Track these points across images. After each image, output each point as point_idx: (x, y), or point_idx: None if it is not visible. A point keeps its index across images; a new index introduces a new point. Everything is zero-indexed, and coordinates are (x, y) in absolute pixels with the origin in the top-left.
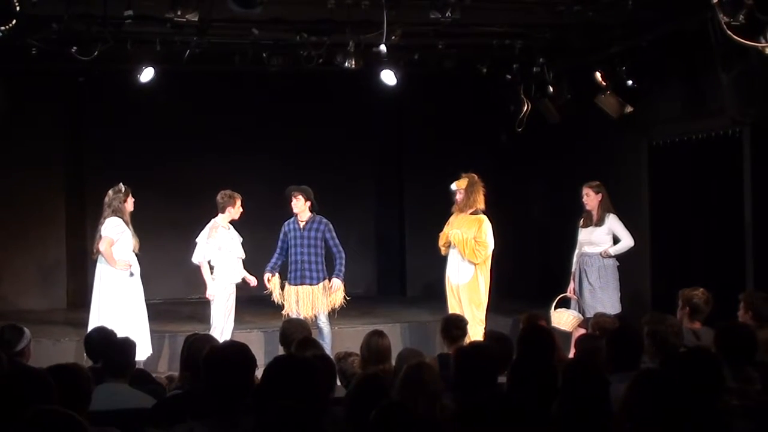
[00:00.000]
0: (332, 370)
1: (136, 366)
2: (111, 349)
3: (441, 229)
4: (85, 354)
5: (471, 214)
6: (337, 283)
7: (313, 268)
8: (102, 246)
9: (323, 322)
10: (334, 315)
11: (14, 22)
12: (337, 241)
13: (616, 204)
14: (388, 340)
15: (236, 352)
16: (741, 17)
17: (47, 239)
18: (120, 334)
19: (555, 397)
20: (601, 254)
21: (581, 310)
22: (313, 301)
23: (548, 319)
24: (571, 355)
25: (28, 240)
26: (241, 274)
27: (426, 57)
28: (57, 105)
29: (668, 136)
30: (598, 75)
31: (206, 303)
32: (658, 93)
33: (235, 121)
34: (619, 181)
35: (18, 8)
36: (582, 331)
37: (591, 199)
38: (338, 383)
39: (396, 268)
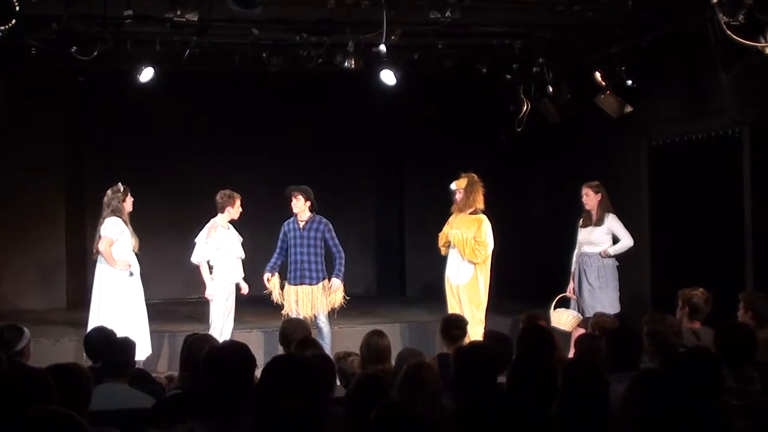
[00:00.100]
0: (332, 369)
1: (136, 366)
2: (110, 349)
3: (441, 229)
4: (84, 354)
5: (470, 213)
6: (337, 283)
7: (313, 268)
8: (101, 246)
9: (323, 322)
10: (333, 315)
11: (14, 21)
12: (336, 241)
13: (616, 204)
14: (387, 340)
15: (236, 352)
16: (741, 17)
17: (47, 239)
18: (120, 334)
19: (555, 397)
20: (600, 254)
21: (581, 310)
22: (313, 300)
23: (548, 319)
24: (570, 354)
25: (27, 240)
26: (240, 274)
27: (426, 57)
28: (57, 105)
29: (668, 136)
30: (597, 75)
31: (206, 303)
32: (658, 93)
33: (235, 121)
34: (618, 181)
35: (17, 8)
36: (581, 330)
37: (590, 198)
38: (338, 383)
39: (396, 268)
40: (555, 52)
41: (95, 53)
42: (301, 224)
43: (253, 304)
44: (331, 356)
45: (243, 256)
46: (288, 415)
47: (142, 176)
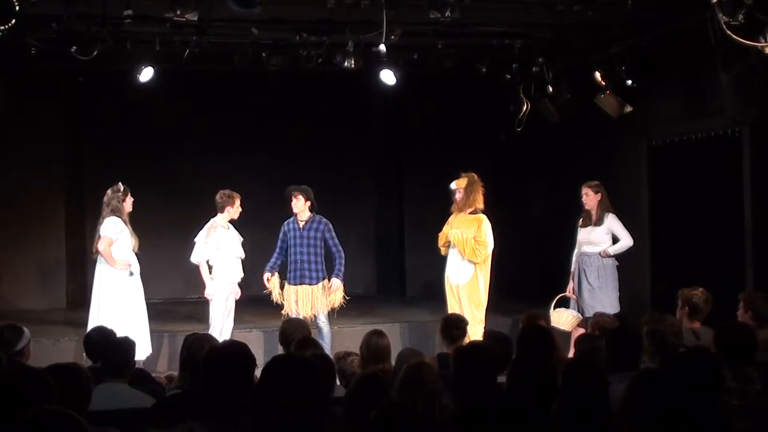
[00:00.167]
0: (332, 369)
1: (136, 366)
2: (110, 348)
3: (440, 229)
4: (84, 354)
5: (470, 213)
6: (337, 283)
7: (313, 268)
8: (101, 246)
9: (323, 322)
10: (333, 315)
11: (13, 21)
12: (336, 240)
13: (616, 204)
14: (387, 340)
15: (235, 352)
16: (740, 17)
17: (47, 239)
18: (119, 334)
19: (555, 397)
20: (600, 254)
21: (580, 310)
22: (313, 300)
23: (547, 319)
24: (570, 354)
25: (27, 240)
26: (239, 274)
27: (425, 57)
28: (57, 105)
29: (668, 136)
30: (597, 75)
31: (205, 302)
32: (658, 93)
33: (235, 121)
34: (618, 180)
35: (17, 8)
36: (581, 330)
37: (590, 198)
38: (338, 383)
39: (395, 268)
40: (555, 52)
41: (95, 53)
42: (301, 224)
43: (253, 303)
44: (331, 356)
45: (243, 256)
46: (288, 415)
47: (142, 176)
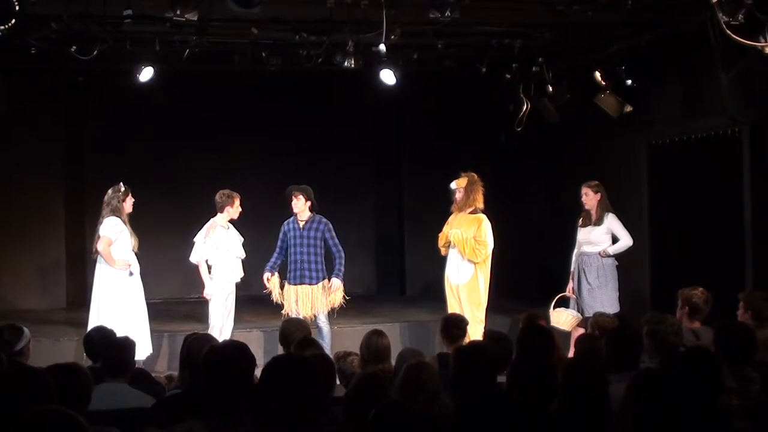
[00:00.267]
0: (331, 369)
1: (137, 365)
2: (110, 348)
3: (440, 229)
4: (84, 354)
5: (470, 213)
6: (337, 283)
7: (313, 268)
8: (100, 246)
9: (323, 322)
10: (333, 314)
11: (13, 21)
12: (336, 240)
13: (616, 203)
14: (387, 340)
15: (235, 352)
16: (740, 17)
17: (47, 239)
18: (119, 334)
19: (554, 397)
20: (599, 254)
21: (580, 310)
22: (313, 300)
23: (547, 319)
24: (570, 354)
25: (27, 239)
26: (239, 274)
27: (425, 57)
28: (56, 104)
29: (668, 136)
30: (597, 74)
31: (205, 302)
32: (658, 93)
33: (234, 121)
34: (618, 180)
35: (17, 8)
36: (581, 330)
37: (590, 198)
38: (337, 383)
39: (395, 268)
40: (555, 51)
41: (95, 53)
42: (301, 224)
43: (253, 303)
44: (331, 356)
45: (243, 255)
46: (287, 415)
47: (142, 176)
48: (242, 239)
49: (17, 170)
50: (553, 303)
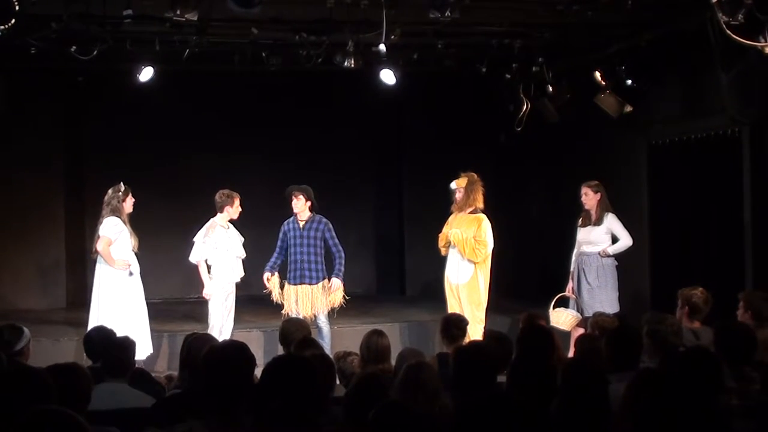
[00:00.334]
0: (331, 369)
1: (137, 365)
2: (110, 348)
3: (440, 229)
4: (84, 353)
5: (470, 213)
6: (337, 283)
7: (313, 268)
8: (99, 246)
9: (323, 322)
10: (333, 314)
11: (13, 21)
12: (336, 240)
13: (616, 203)
14: (387, 340)
15: (235, 352)
16: (740, 17)
17: (47, 239)
18: (119, 334)
19: (554, 397)
20: (599, 254)
21: (580, 310)
22: (313, 300)
23: (547, 319)
24: (570, 354)
25: (27, 239)
26: (239, 274)
27: (425, 56)
28: (56, 104)
29: (668, 136)
30: (597, 74)
31: (205, 302)
32: (658, 92)
33: (234, 121)
34: (618, 180)
35: (17, 7)
36: (580, 330)
37: (590, 198)
38: (337, 383)
39: (395, 268)
40: (554, 51)
41: (95, 53)
42: (301, 224)
43: (253, 303)
44: (331, 356)
45: (243, 255)
46: (288, 415)
47: (142, 176)
48: (242, 239)
49: (17, 170)
50: (552, 303)
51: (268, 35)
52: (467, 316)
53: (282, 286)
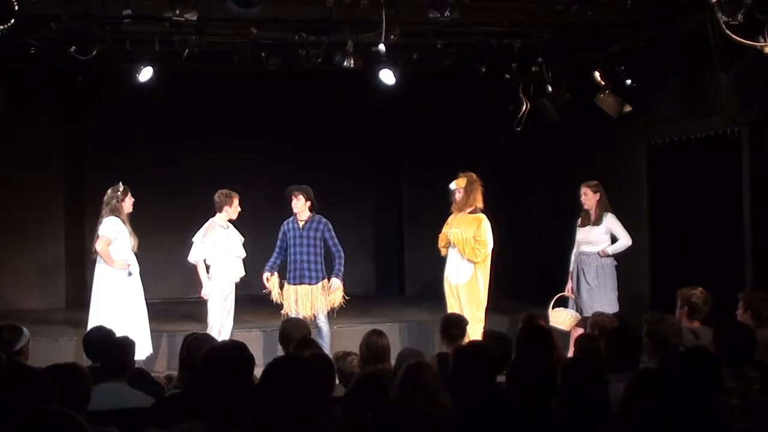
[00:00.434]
0: (331, 369)
1: (136, 365)
2: (110, 348)
3: (440, 229)
4: (84, 353)
5: (470, 213)
6: (336, 283)
7: (312, 268)
8: (99, 246)
9: (322, 322)
10: (333, 314)
11: (13, 21)
12: (336, 240)
13: (615, 203)
14: (387, 340)
15: (235, 352)
16: (740, 17)
17: (46, 239)
18: (119, 334)
19: (554, 397)
20: (598, 253)
21: (579, 310)
22: (312, 300)
23: (547, 319)
24: (570, 354)
25: (27, 239)
26: (239, 274)
27: (425, 56)
28: (56, 104)
29: (667, 136)
30: (597, 74)
31: (204, 302)
32: (657, 92)
33: (234, 121)
34: (618, 180)
35: (17, 7)
36: (580, 330)
37: (589, 198)
38: (337, 382)
39: (395, 268)
40: (554, 51)
41: (94, 53)
42: (301, 224)
43: (253, 303)
44: (331, 356)
45: (243, 255)
46: (287, 415)
47: (141, 176)
48: (243, 239)
49: (17, 170)
50: (551, 303)
51: (267, 35)
52: (467, 316)
53: (281, 286)
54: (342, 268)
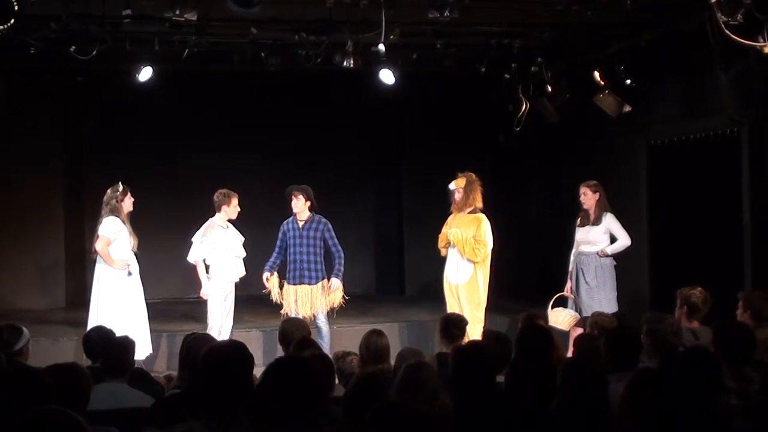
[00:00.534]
0: (331, 369)
1: (136, 365)
2: (110, 348)
3: (440, 229)
4: (83, 353)
5: (470, 213)
6: (336, 283)
7: (312, 268)
8: (98, 246)
9: (322, 322)
10: (333, 314)
11: (13, 21)
12: (336, 240)
13: (615, 203)
14: (386, 340)
15: (234, 352)
16: (739, 17)
17: (46, 239)
18: (119, 334)
19: (553, 397)
20: (598, 253)
21: (578, 309)
22: (312, 300)
23: (546, 319)
24: (569, 354)
25: (26, 239)
26: (239, 274)
27: (424, 56)
28: (56, 104)
29: (667, 136)
30: (596, 74)
31: (204, 302)
32: (657, 92)
33: (234, 121)
34: (617, 180)
35: (16, 7)
36: (579, 330)
37: (588, 198)
38: (337, 382)
39: (395, 268)
40: (554, 51)
41: (94, 53)
42: (301, 224)
43: (253, 303)
44: (330, 356)
45: (243, 255)
46: (287, 415)
47: (141, 176)
48: (243, 238)
49: (16, 170)
50: (551, 303)
51: (267, 35)
52: (466, 315)
53: (281, 286)
54: (342, 268)
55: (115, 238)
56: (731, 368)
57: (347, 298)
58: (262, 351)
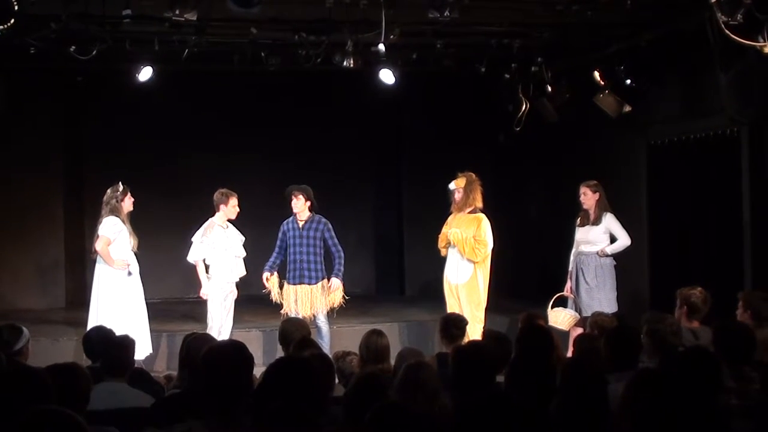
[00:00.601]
0: (331, 369)
1: (136, 365)
2: (110, 348)
3: (440, 229)
4: (83, 353)
5: (470, 213)
6: (336, 283)
7: (312, 268)
8: (98, 245)
9: (322, 322)
10: (332, 314)
11: (13, 21)
12: (336, 240)
13: (615, 203)
14: (386, 340)
15: (234, 352)
16: (739, 17)
17: (46, 238)
18: (119, 333)
19: (553, 397)
20: (597, 253)
21: (578, 309)
22: (312, 300)
23: (546, 319)
24: (569, 354)
25: (26, 239)
26: (239, 273)
27: (424, 56)
28: (56, 104)
29: (667, 136)
30: (596, 74)
31: (204, 302)
32: (657, 92)
33: (234, 121)
34: (617, 180)
35: (16, 7)
36: (579, 330)
37: (588, 198)
38: (336, 382)
39: (395, 268)
40: (554, 51)
41: (94, 53)
42: (301, 224)
43: (253, 303)
44: (330, 356)
45: (243, 254)
46: (287, 415)
47: (141, 176)
48: (243, 238)
49: (16, 170)
50: (551, 303)
51: (267, 35)
52: (466, 315)
53: (281, 286)
54: (342, 268)
55: (115, 238)
56: (731, 368)
57: (347, 298)
58: (262, 351)
